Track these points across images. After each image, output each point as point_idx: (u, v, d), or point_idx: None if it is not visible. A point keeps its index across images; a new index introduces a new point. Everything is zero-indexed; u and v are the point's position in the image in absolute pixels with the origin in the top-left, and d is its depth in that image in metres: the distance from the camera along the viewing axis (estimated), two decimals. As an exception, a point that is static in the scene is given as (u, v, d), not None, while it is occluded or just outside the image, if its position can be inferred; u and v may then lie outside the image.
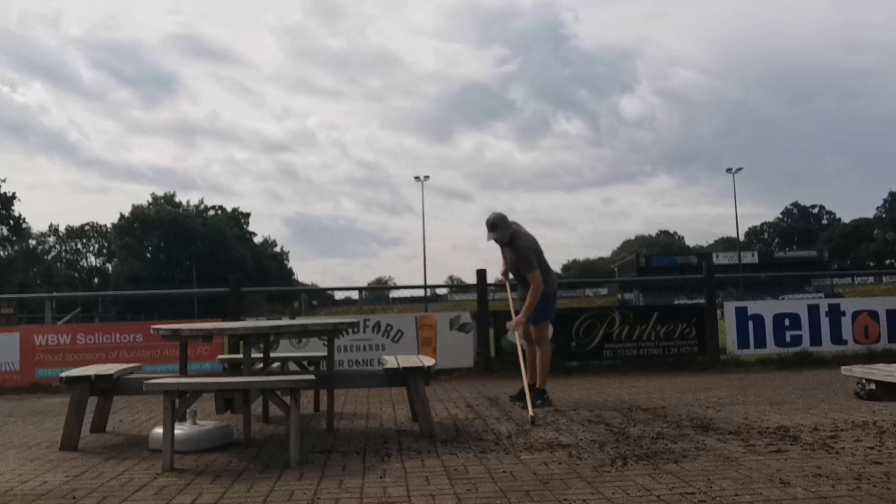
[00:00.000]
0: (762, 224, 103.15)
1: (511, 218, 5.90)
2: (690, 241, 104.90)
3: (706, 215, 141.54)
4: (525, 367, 5.74)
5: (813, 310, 9.03)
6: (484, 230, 5.87)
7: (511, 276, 6.12)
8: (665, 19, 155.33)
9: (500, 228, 5.83)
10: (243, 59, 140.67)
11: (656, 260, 72.56)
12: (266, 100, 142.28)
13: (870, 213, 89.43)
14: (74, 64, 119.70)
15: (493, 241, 5.94)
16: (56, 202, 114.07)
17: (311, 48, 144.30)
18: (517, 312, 5.90)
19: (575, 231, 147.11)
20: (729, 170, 57.96)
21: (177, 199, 76.10)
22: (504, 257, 6.11)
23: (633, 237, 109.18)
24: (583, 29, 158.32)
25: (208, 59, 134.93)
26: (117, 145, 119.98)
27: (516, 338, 5.96)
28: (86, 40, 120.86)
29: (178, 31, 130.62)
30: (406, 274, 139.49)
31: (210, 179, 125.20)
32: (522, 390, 5.54)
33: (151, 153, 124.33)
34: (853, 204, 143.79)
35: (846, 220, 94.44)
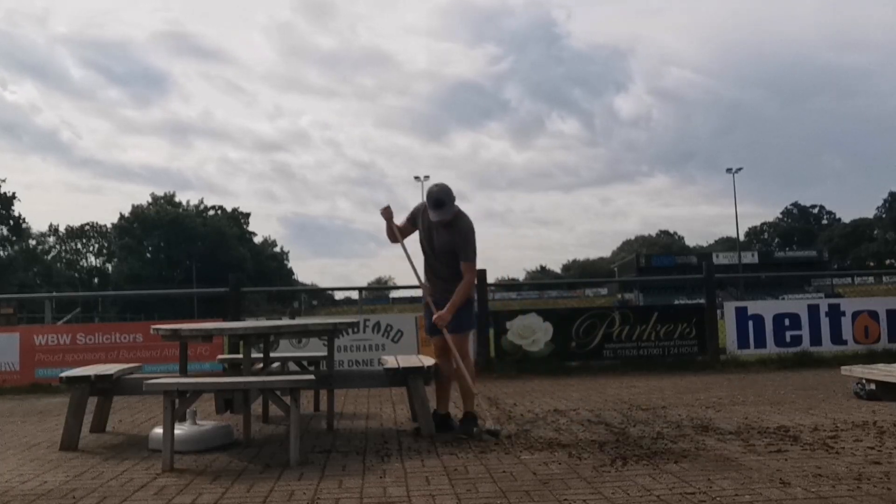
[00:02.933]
0: (762, 224, 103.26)
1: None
2: (690, 241, 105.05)
3: (704, 215, 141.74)
4: (439, 387, 4.82)
5: (813, 310, 9.03)
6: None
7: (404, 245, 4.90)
8: (658, 17, 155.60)
9: (448, 205, 4.56)
10: (233, 58, 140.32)
11: (656, 260, 72.51)
12: (258, 99, 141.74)
13: (870, 213, 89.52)
14: (64, 62, 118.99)
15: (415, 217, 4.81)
16: (51, 202, 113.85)
17: (301, 47, 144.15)
18: (438, 304, 4.66)
19: (573, 231, 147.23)
20: (729, 170, 57.92)
21: (177, 199, 76.14)
22: (423, 230, 4.79)
23: (632, 237, 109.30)
24: (575, 27, 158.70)
25: (198, 58, 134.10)
26: (110, 145, 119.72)
27: (450, 342, 4.68)
28: (74, 38, 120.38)
29: (167, 29, 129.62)
30: (405, 274, 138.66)
31: (205, 179, 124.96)
32: (438, 415, 4.73)
33: (145, 153, 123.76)
34: (853, 204, 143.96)
35: (846, 220, 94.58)
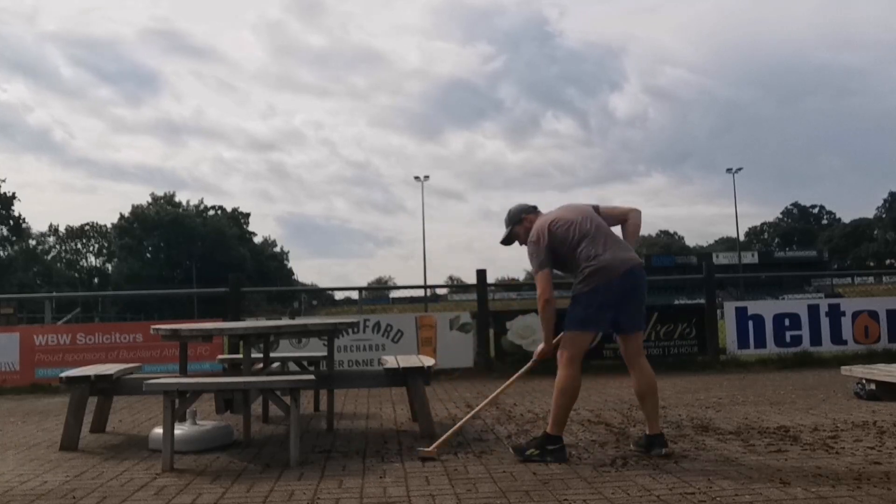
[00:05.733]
0: (762, 224, 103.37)
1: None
2: (690, 241, 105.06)
3: (701, 215, 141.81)
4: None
5: (813, 310, 9.03)
6: None
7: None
8: (651, 16, 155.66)
9: (507, 231, 4.30)
10: (224, 57, 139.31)
11: (656, 260, 72.44)
12: (251, 98, 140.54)
13: (870, 213, 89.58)
14: (54, 61, 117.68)
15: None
16: (46, 202, 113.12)
17: (292, 45, 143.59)
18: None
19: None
20: (729, 170, 58.14)
21: (176, 199, 76.16)
22: None
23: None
24: (568, 25, 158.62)
25: (189, 56, 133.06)
26: (103, 144, 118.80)
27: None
28: (63, 36, 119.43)
29: (156, 27, 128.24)
30: (404, 274, 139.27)
31: (199, 179, 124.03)
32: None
33: (138, 152, 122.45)
34: (853, 204, 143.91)
35: (846, 220, 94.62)
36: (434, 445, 4.03)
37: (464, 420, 4.42)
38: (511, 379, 4.28)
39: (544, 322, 3.96)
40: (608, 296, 3.82)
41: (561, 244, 3.93)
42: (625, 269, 3.85)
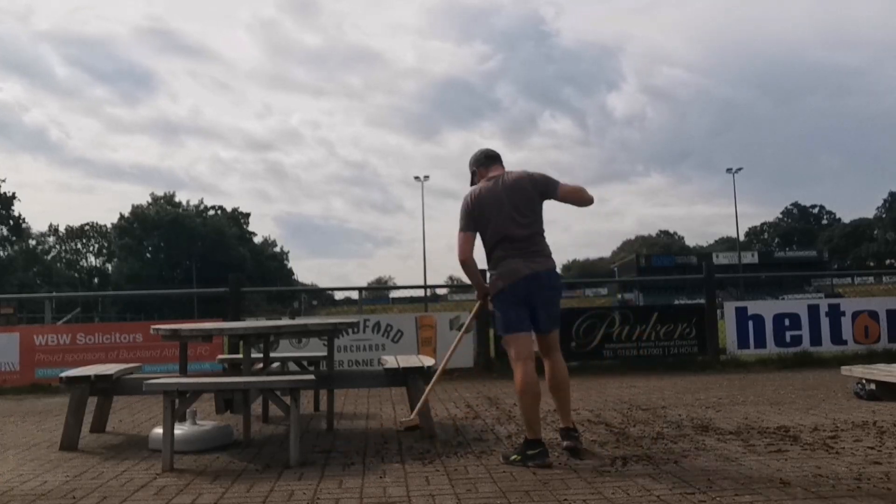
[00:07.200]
0: (762, 224, 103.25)
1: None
2: (690, 241, 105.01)
3: (700, 215, 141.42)
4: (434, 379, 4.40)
5: (813, 310, 9.04)
6: None
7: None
8: (647, 15, 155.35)
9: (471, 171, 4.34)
10: (219, 56, 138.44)
11: (656, 260, 72.42)
12: (247, 97, 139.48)
13: (870, 213, 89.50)
14: (48, 60, 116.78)
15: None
16: (44, 202, 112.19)
17: (287, 45, 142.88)
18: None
19: (569, 231, 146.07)
20: (729, 170, 58.12)
21: (176, 199, 76.14)
22: None
23: (632, 237, 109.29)
24: (564, 25, 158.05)
25: (183, 55, 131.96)
26: (100, 144, 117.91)
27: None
28: (57, 35, 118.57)
29: (150, 25, 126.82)
30: (403, 274, 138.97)
31: (197, 179, 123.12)
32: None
33: (135, 152, 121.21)
34: (853, 204, 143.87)
35: (846, 220, 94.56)
36: (413, 413, 4.34)
37: (434, 380, 4.44)
38: (460, 334, 4.54)
39: (469, 277, 4.15)
40: (515, 296, 3.91)
41: (481, 227, 4.01)
42: (528, 272, 3.91)
